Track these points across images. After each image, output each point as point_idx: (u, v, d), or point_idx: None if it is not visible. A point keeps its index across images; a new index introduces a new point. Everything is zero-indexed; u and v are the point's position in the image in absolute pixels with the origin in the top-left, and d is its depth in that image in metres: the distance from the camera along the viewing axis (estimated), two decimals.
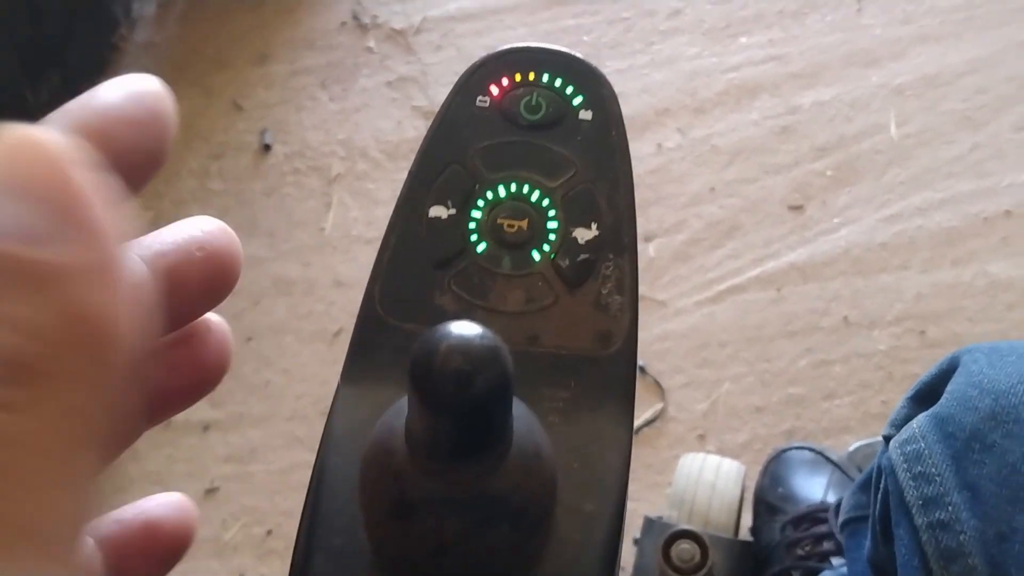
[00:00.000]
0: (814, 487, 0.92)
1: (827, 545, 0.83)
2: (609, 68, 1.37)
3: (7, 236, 0.15)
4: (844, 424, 1.07)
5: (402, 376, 0.23)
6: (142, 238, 0.24)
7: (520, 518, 0.26)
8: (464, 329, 0.23)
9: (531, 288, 0.32)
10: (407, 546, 0.25)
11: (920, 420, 0.44)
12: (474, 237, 0.33)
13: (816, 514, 0.86)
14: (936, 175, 1.22)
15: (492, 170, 0.33)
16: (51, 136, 0.17)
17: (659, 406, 1.10)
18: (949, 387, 0.44)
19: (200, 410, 1.17)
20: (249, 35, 1.49)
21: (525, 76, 0.35)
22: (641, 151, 1.29)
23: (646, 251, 1.20)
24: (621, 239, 0.33)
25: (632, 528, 0.91)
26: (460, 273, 0.32)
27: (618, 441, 0.30)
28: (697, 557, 0.79)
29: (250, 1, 1.52)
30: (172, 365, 0.25)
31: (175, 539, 0.26)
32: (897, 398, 1.08)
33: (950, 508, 0.40)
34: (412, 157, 0.34)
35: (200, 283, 0.24)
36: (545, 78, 0.34)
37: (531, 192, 0.33)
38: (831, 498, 0.90)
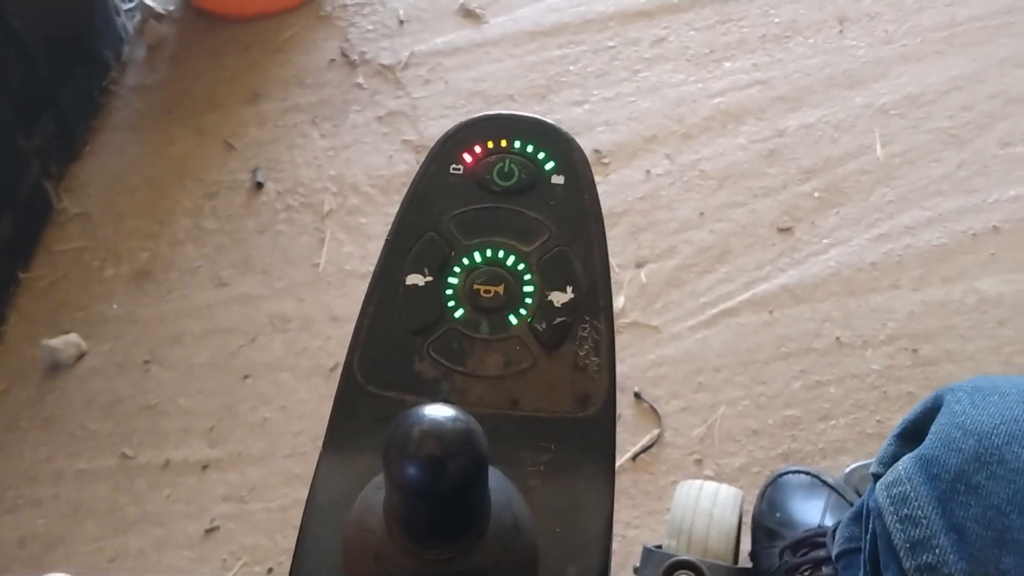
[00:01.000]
0: (811, 511, 0.92)
1: (826, 570, 0.83)
2: (596, 97, 1.39)
3: None
4: (840, 445, 1.07)
5: (381, 447, 0.24)
6: None
7: None
8: (437, 412, 0.23)
9: (509, 352, 0.33)
10: None
11: (905, 462, 0.44)
12: (451, 303, 0.33)
13: (814, 539, 0.87)
14: (923, 193, 1.23)
15: (467, 236, 0.34)
16: None
17: (656, 432, 1.11)
18: (933, 428, 0.45)
19: (198, 449, 1.18)
20: (239, 75, 1.50)
21: (497, 143, 0.35)
22: (630, 178, 1.30)
23: (638, 277, 1.21)
24: (597, 301, 0.34)
25: (632, 557, 0.91)
26: (439, 339, 0.33)
27: (599, 503, 0.31)
28: None
29: (239, 41, 1.54)
30: None
31: None
32: (892, 417, 1.09)
33: (937, 551, 0.40)
34: (404, 191, 0.35)
35: None
36: (517, 144, 0.35)
37: (506, 257, 0.34)
38: (829, 521, 0.90)
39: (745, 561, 0.94)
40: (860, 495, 0.94)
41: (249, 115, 1.46)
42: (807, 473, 0.98)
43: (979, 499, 0.41)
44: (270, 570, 1.10)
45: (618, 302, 1.18)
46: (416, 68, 1.47)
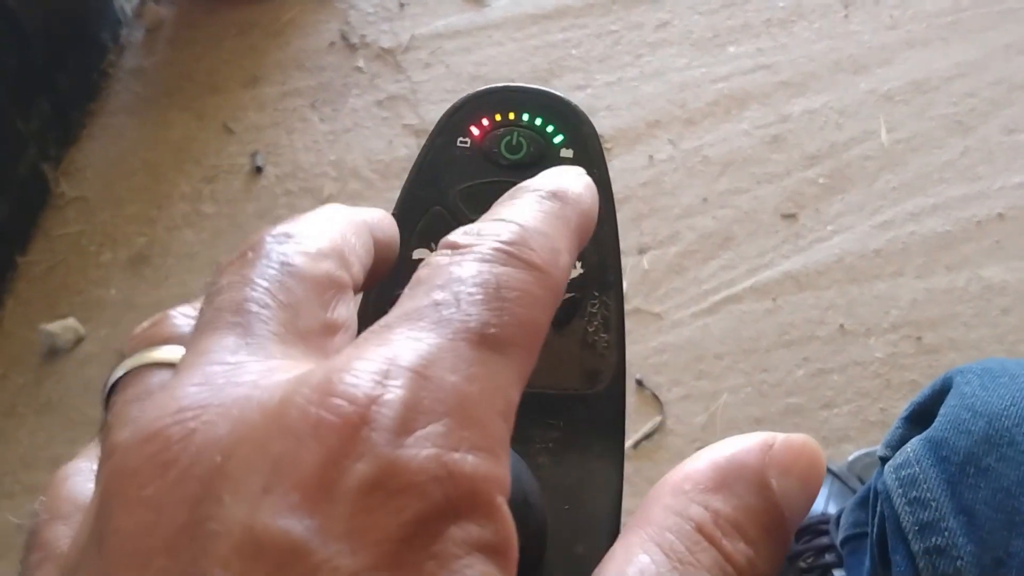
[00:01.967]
0: None
1: (829, 557, 0.83)
2: (599, 81, 1.38)
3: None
4: (843, 433, 1.07)
5: None
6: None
7: None
8: None
9: None
10: None
11: (914, 444, 0.44)
12: None
13: (817, 526, 0.86)
14: (928, 180, 1.22)
15: (474, 211, 0.33)
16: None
17: (658, 419, 1.10)
18: (942, 410, 0.44)
19: None
20: (238, 58, 1.49)
21: (505, 116, 0.34)
22: (633, 164, 1.29)
23: (640, 264, 1.20)
24: (606, 277, 0.33)
25: None
26: None
27: (609, 480, 0.30)
28: None
29: (239, 24, 1.52)
30: None
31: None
32: (896, 405, 1.08)
33: (946, 533, 0.40)
34: (404, 175, 0.34)
35: None
36: (525, 117, 0.34)
37: None
38: (832, 509, 0.90)
39: None
40: (863, 483, 0.94)
41: (248, 98, 1.45)
42: None
43: (989, 481, 0.40)
44: None
45: (623, 289, 1.17)
46: (417, 51, 1.46)
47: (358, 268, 0.24)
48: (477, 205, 0.33)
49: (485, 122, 0.35)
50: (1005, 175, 1.21)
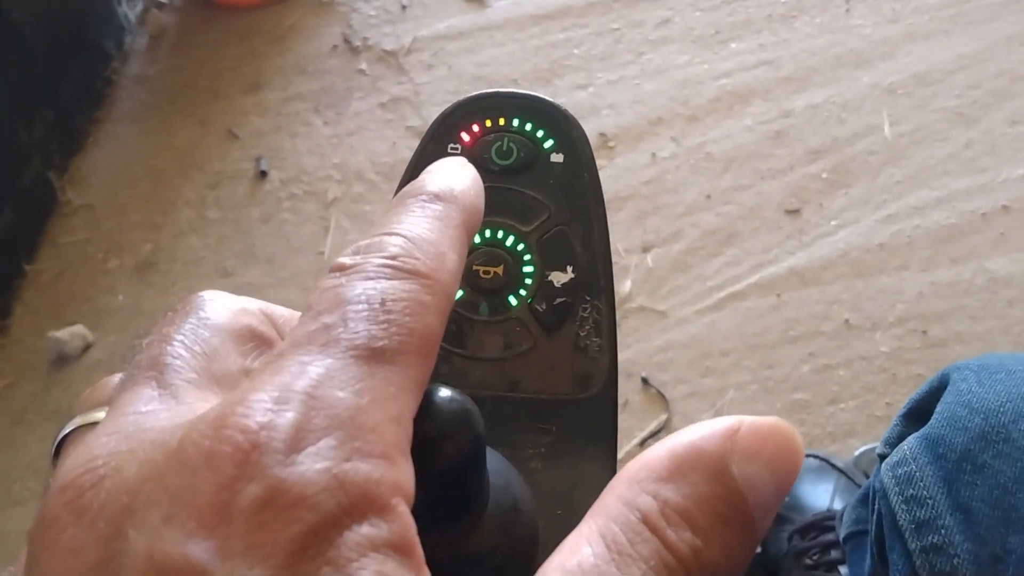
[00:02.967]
0: (820, 494, 0.92)
1: (835, 553, 0.83)
2: (601, 80, 1.38)
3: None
4: (849, 428, 1.07)
5: None
6: None
7: (500, 575, 0.26)
8: (431, 393, 0.23)
9: (509, 333, 0.32)
10: None
11: (911, 441, 0.44)
12: None
13: (823, 522, 0.86)
14: (931, 173, 1.22)
15: None
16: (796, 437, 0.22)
17: (663, 417, 1.10)
18: (939, 407, 0.44)
19: None
20: (241, 64, 1.50)
21: (495, 121, 0.35)
22: (636, 162, 1.29)
23: (644, 262, 1.20)
24: (597, 281, 0.33)
25: None
26: None
27: (601, 485, 0.30)
28: None
29: (241, 30, 1.53)
30: None
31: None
32: (901, 400, 1.08)
33: (943, 531, 0.40)
34: (398, 184, 0.34)
35: None
36: (515, 123, 0.34)
37: (505, 237, 0.33)
38: (838, 505, 0.90)
39: None
40: (869, 478, 0.93)
41: (251, 104, 1.45)
42: (816, 457, 0.97)
43: (985, 478, 0.40)
44: None
45: (624, 287, 1.17)
46: (419, 53, 1.46)
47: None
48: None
49: (475, 128, 0.35)
50: (1009, 167, 1.21)
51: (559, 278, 0.33)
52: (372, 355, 0.19)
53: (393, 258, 0.21)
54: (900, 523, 0.41)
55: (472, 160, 0.34)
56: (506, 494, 0.26)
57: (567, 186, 0.34)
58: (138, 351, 0.23)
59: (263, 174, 1.38)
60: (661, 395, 1.12)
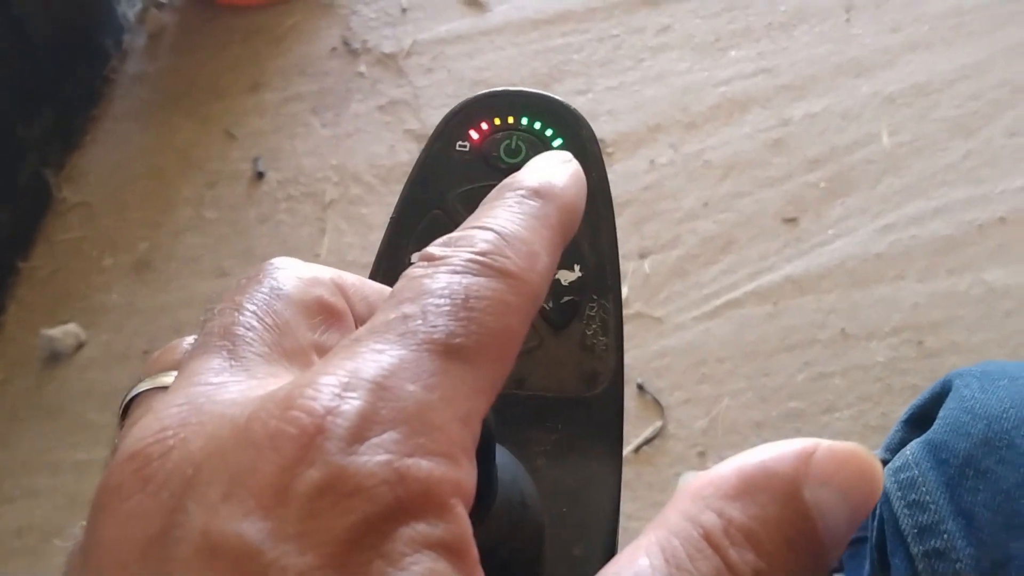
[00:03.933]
0: None
1: None
2: (600, 86, 1.38)
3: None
4: (844, 437, 1.05)
5: None
6: None
7: (507, 570, 0.25)
8: None
9: None
10: None
11: (913, 447, 0.44)
12: None
13: None
14: (930, 183, 1.22)
15: None
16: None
17: (658, 424, 1.10)
18: (942, 412, 0.44)
19: None
20: (241, 64, 1.50)
21: (504, 120, 0.35)
22: (634, 168, 1.29)
23: (642, 268, 1.20)
24: (605, 280, 0.33)
25: None
26: None
27: (607, 483, 0.30)
28: None
29: (241, 31, 1.53)
30: None
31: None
32: (897, 409, 1.08)
33: (945, 536, 0.40)
34: (406, 180, 0.34)
35: None
36: (524, 121, 0.34)
37: None
38: None
39: None
40: None
41: (250, 104, 1.45)
42: None
43: (988, 484, 0.40)
44: None
45: (622, 292, 1.17)
46: (418, 56, 1.46)
47: (363, 307, 0.25)
48: (476, 209, 0.34)
49: (484, 126, 0.35)
50: (1008, 178, 1.21)
51: (566, 277, 0.33)
52: (448, 351, 0.19)
53: (482, 254, 0.21)
54: (902, 528, 0.41)
55: (481, 158, 0.34)
56: (513, 489, 0.26)
57: None
58: (209, 317, 0.23)
59: (261, 174, 1.38)
60: (656, 402, 1.11)
